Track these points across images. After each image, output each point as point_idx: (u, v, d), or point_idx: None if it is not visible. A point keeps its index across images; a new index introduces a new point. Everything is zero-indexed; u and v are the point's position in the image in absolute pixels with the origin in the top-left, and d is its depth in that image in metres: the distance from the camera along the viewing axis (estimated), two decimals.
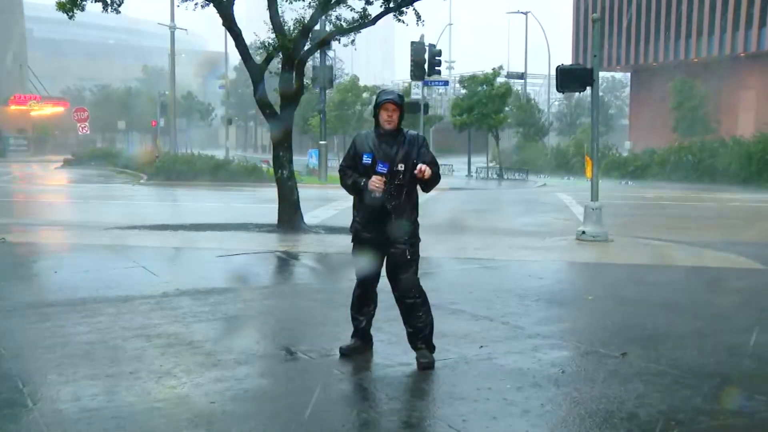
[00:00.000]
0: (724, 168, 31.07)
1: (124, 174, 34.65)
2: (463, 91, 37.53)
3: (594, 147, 13.41)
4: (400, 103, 5.35)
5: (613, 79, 79.91)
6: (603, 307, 7.74)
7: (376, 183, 5.19)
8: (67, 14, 13.29)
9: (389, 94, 5.43)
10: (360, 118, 44.23)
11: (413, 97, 33.87)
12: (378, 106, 5.34)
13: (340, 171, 5.49)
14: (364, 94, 46.06)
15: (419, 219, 5.46)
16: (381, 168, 5.21)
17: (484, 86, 36.60)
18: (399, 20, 14.57)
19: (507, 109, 38.35)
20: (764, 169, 29.67)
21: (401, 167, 5.25)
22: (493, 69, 37.41)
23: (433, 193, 5.53)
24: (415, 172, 5.17)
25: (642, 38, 51.65)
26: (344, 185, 5.48)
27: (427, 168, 5.16)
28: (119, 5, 13.73)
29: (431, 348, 5.43)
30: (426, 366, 5.30)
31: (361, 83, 49.69)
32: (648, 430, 4.34)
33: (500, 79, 38.96)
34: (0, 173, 37.28)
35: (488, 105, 35.96)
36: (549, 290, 8.50)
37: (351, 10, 14.68)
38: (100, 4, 13.57)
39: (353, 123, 42.73)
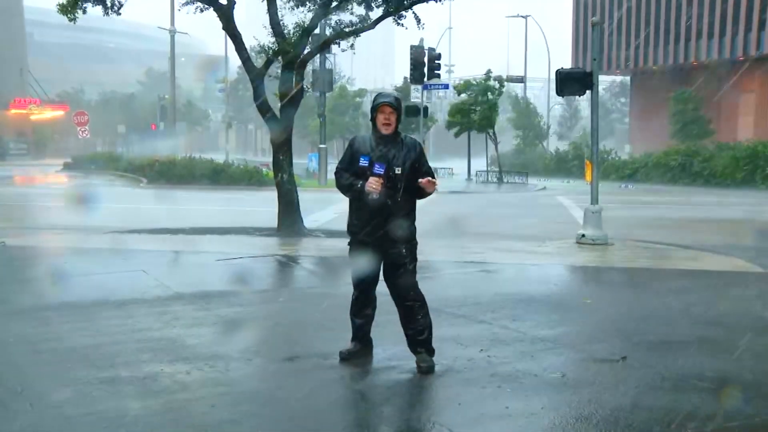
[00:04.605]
0: (716, 172, 31.43)
1: (124, 177, 34.63)
2: (461, 96, 37.39)
3: (594, 151, 13.42)
4: (397, 105, 5.34)
5: (621, 83, 79.82)
6: (603, 310, 7.74)
7: (373, 184, 5.18)
8: (68, 17, 13.27)
9: (386, 96, 5.41)
10: (356, 123, 44.25)
11: (413, 100, 33.90)
12: (375, 109, 5.34)
13: (335, 173, 5.46)
14: (357, 99, 46.03)
15: (418, 222, 5.47)
16: (378, 169, 5.20)
17: (473, 90, 36.58)
18: (399, 24, 14.60)
19: (499, 108, 38.09)
20: (754, 172, 30.03)
21: (398, 170, 5.25)
22: (486, 74, 37.48)
23: (433, 196, 5.55)
24: (421, 182, 5.20)
25: (642, 41, 51.67)
26: (339, 186, 5.46)
27: (433, 182, 5.23)
28: (119, 7, 13.72)
29: (431, 352, 5.42)
30: (426, 370, 5.29)
31: (357, 86, 49.73)
32: None
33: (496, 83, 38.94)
34: None
35: (479, 103, 35.88)
36: (549, 293, 8.50)
37: (351, 14, 14.71)
38: (100, 8, 13.59)
39: (350, 127, 42.74)
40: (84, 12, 13.50)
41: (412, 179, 5.32)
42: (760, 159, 30.29)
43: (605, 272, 10.46)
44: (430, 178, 5.27)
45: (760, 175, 29.92)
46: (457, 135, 37.83)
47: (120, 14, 13.90)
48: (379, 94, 5.51)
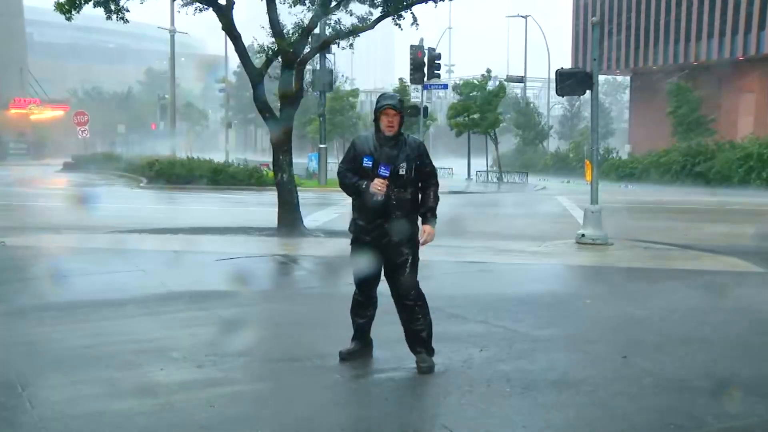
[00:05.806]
0: (715, 172, 31.45)
1: (124, 177, 34.64)
2: (459, 97, 37.42)
3: (594, 150, 13.42)
4: (401, 108, 5.36)
5: (614, 81, 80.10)
6: (602, 310, 7.74)
7: (378, 186, 5.19)
8: (65, 15, 13.25)
9: (390, 99, 5.41)
10: (354, 124, 44.23)
11: (413, 100, 33.88)
12: (378, 111, 5.34)
13: (339, 173, 5.47)
14: (361, 97, 46.02)
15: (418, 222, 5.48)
16: (383, 171, 5.21)
17: (477, 92, 36.53)
18: (397, 24, 14.65)
19: (503, 113, 38.12)
20: (753, 172, 30.09)
21: (402, 171, 5.26)
22: (483, 74, 37.46)
23: None
24: (421, 242, 5.39)
25: (641, 41, 51.66)
26: (343, 187, 5.47)
27: (429, 234, 5.45)
28: (123, 12, 13.68)
29: (431, 351, 5.42)
30: (426, 370, 5.29)
31: (358, 87, 49.67)
32: None
33: (496, 83, 38.97)
34: None
35: (482, 107, 35.84)
36: (548, 293, 8.50)
37: (350, 15, 14.74)
38: (102, 9, 13.54)
39: (349, 128, 42.73)
40: (78, 11, 13.43)
41: (415, 179, 5.33)
42: (754, 159, 30.30)
43: (605, 272, 10.46)
44: (428, 231, 5.43)
45: (757, 176, 29.91)
46: (458, 134, 37.81)
47: (127, 21, 13.88)
48: (382, 96, 5.50)
